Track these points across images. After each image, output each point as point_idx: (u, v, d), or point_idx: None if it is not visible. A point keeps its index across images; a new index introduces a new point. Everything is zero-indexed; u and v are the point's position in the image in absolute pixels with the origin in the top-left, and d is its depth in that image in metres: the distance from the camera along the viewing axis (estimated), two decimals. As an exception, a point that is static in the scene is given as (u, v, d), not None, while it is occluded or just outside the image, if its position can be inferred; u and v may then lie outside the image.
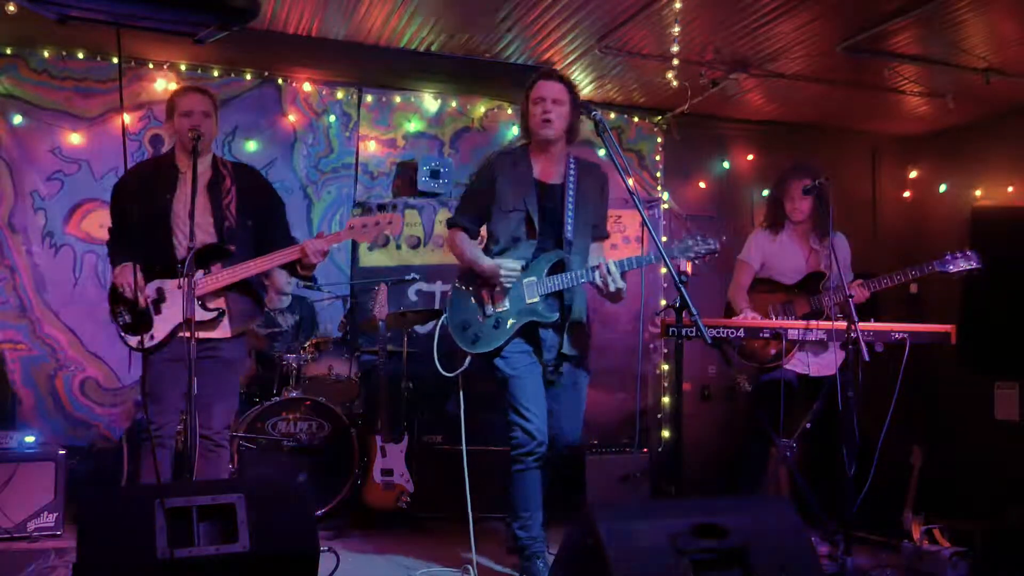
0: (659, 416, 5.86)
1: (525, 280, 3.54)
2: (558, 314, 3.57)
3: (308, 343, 5.03)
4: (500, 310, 3.55)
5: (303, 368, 4.92)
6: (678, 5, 4.41)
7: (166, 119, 3.66)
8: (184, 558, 2.45)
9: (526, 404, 3.51)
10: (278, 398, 4.71)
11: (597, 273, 3.44)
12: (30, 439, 4.41)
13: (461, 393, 3.67)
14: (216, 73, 5.47)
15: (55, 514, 4.23)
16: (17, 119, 5.12)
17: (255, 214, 3.60)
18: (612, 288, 3.44)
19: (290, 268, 3.68)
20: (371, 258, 5.70)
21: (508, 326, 3.54)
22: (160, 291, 3.50)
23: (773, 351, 4.16)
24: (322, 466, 4.63)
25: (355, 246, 5.68)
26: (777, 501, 3.01)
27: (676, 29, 4.60)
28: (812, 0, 4.39)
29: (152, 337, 3.47)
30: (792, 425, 4.12)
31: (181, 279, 3.34)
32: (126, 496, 2.71)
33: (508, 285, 3.51)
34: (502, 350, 3.57)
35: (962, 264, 4.05)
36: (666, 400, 5.88)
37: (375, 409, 4.83)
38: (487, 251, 3.65)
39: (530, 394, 3.52)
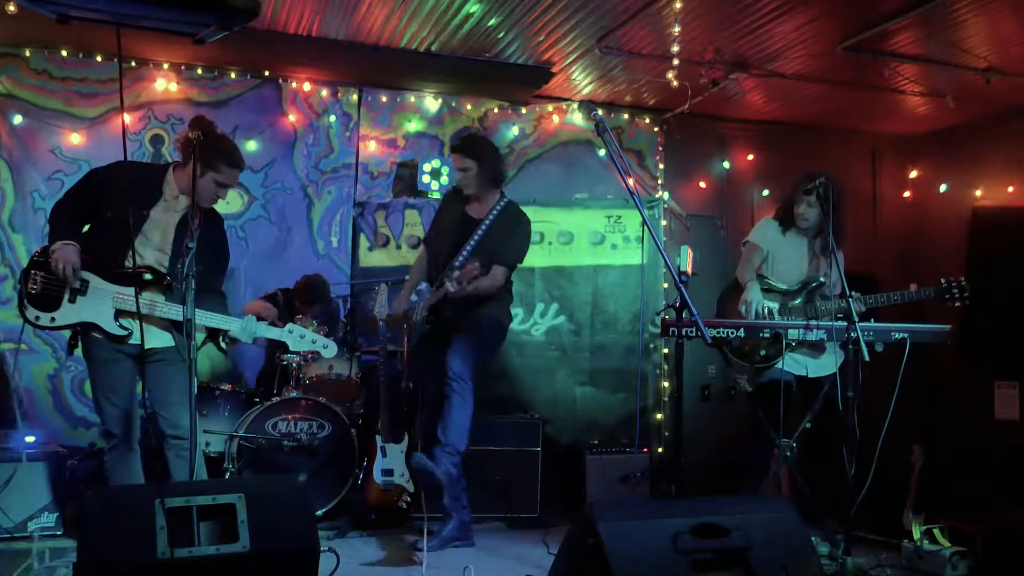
0: (659, 416, 5.86)
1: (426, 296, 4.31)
2: (429, 326, 4.28)
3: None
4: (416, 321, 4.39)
5: (303, 368, 4.92)
6: (678, 5, 4.41)
7: (200, 156, 3.45)
8: (184, 558, 2.45)
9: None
10: (278, 398, 4.71)
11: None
12: (30, 439, 4.41)
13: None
14: (216, 73, 5.47)
15: (55, 514, 4.23)
16: (17, 119, 5.12)
17: (208, 261, 3.55)
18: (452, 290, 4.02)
19: (214, 338, 3.63)
20: (371, 258, 5.70)
21: (414, 334, 4.38)
22: (85, 284, 3.47)
23: (763, 352, 4.16)
24: (322, 466, 4.63)
25: (355, 246, 5.70)
26: (777, 501, 3.01)
27: (676, 29, 4.60)
28: (812, 0, 4.40)
29: (52, 319, 3.44)
30: (791, 425, 4.11)
31: (176, 284, 3.40)
32: (126, 496, 2.71)
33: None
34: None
35: (957, 293, 4.12)
36: (666, 400, 5.88)
37: (375, 409, 4.83)
38: None
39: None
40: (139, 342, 3.48)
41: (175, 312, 3.45)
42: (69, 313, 3.45)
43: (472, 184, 4.30)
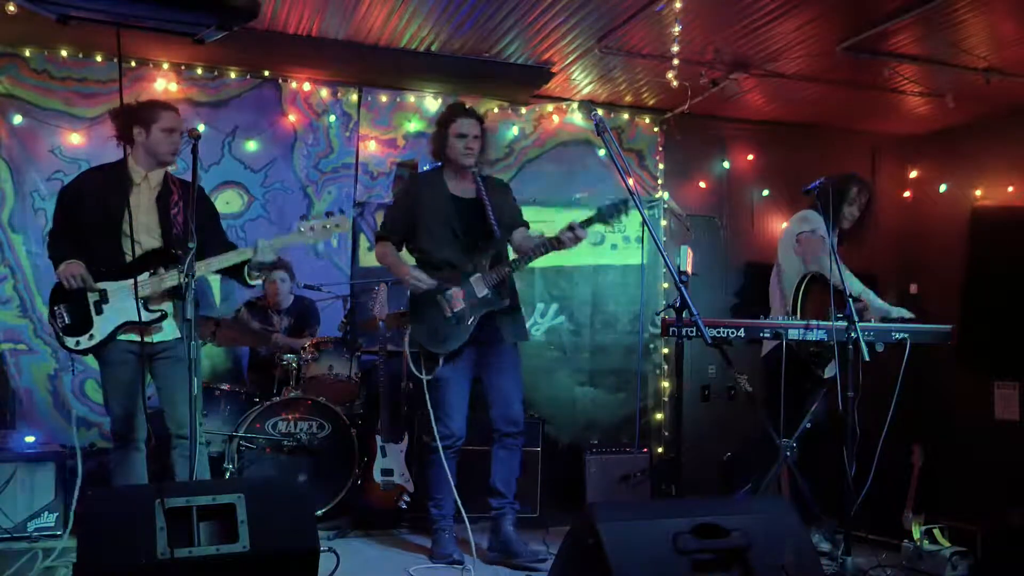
0: (659, 416, 5.85)
1: (471, 278, 3.93)
2: (508, 301, 3.97)
3: (308, 343, 5.03)
4: (458, 308, 3.91)
5: (303, 368, 4.92)
6: (678, 5, 4.41)
7: (135, 124, 3.62)
8: (184, 558, 2.45)
9: (450, 405, 3.98)
10: (278, 398, 4.71)
11: (566, 233, 3.85)
12: (30, 439, 4.41)
13: (427, 396, 3.94)
14: (216, 73, 5.47)
15: (55, 514, 4.23)
16: (17, 119, 5.12)
17: (199, 227, 3.54)
18: (576, 236, 3.87)
19: (239, 273, 3.72)
20: (371, 258, 5.68)
21: (469, 322, 3.92)
22: (104, 292, 3.54)
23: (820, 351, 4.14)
24: (322, 466, 4.63)
25: (355, 246, 5.69)
26: (777, 501, 3.01)
27: (676, 29, 4.60)
28: (812, 0, 4.40)
29: (91, 337, 3.52)
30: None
31: (181, 276, 3.38)
32: (126, 496, 2.71)
33: (421, 287, 3.94)
34: (464, 347, 3.94)
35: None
36: (666, 400, 5.88)
37: (375, 409, 4.82)
38: (420, 261, 4.08)
39: (454, 396, 3.99)
40: (156, 339, 3.59)
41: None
42: (103, 324, 3.54)
43: (477, 155, 4.04)
